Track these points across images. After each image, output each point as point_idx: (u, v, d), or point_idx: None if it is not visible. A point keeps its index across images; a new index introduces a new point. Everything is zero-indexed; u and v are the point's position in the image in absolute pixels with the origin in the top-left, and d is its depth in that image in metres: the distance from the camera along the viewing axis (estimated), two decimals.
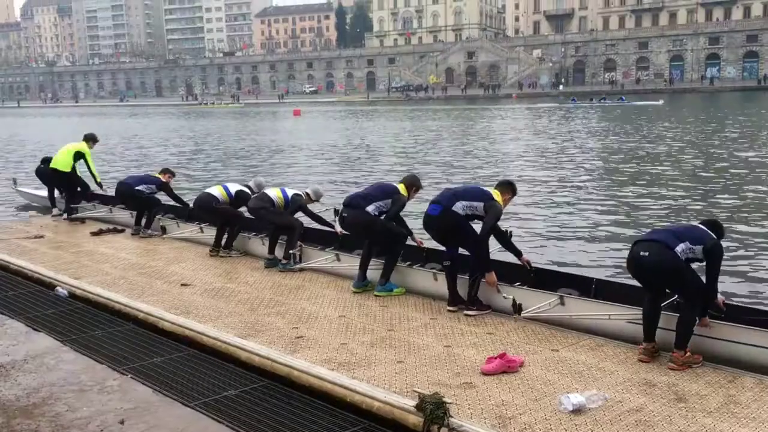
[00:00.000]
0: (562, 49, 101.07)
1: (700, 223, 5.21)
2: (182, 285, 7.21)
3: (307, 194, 8.42)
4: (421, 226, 6.45)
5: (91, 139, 11.50)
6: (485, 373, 4.66)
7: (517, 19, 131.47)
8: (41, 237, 9.84)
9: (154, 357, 5.25)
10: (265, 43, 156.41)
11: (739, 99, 62.75)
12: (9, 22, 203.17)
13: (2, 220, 11.87)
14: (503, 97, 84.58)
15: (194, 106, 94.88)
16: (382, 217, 6.81)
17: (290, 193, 8.31)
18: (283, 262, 7.83)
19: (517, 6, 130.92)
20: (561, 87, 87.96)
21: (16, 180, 14.92)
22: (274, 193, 8.26)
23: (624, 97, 63.37)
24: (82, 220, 11.13)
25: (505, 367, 4.71)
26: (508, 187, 6.42)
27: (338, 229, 7.83)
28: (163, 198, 10.28)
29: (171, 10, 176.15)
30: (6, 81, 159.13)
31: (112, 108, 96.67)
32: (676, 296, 5.23)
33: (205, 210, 8.99)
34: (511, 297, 5.71)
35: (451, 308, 6.11)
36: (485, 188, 6.38)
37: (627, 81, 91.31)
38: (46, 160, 11.80)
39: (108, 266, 8.15)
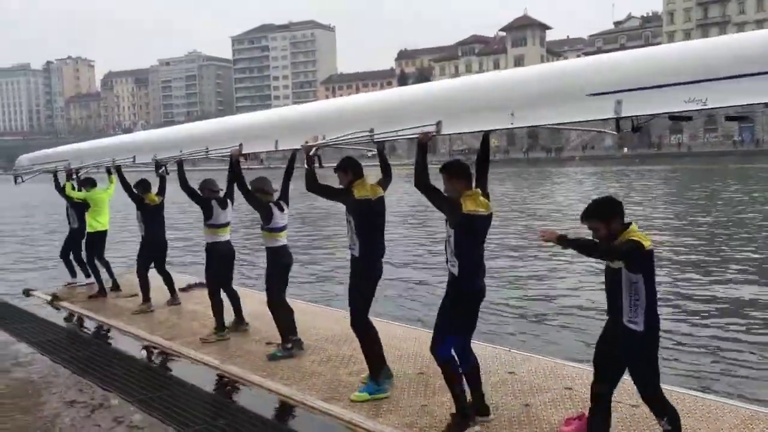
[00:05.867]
0: None
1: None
2: (267, 344, 7.19)
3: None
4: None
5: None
6: None
7: None
8: (135, 295, 9.91)
9: (219, 419, 5.29)
10: None
11: None
12: (90, 93, 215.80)
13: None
14: (566, 159, 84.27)
15: (257, 169, 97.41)
16: None
17: None
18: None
19: None
20: (625, 150, 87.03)
21: None
22: None
23: None
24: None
25: (585, 429, 4.56)
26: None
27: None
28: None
29: (241, 79, 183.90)
30: None
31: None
32: None
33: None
34: None
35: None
36: None
37: (694, 143, 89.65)
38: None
39: (197, 324, 8.28)
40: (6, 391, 6.20)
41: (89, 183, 10.61)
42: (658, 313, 4.00)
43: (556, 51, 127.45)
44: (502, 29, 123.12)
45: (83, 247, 10.78)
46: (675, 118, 3.85)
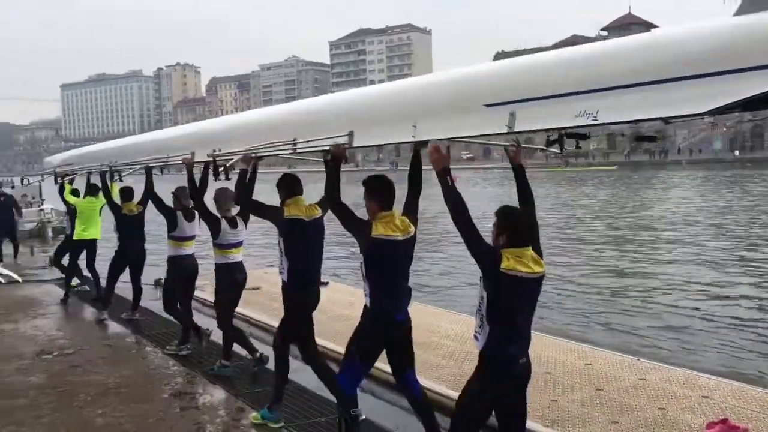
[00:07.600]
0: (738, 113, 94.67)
1: None
2: None
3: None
4: None
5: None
6: None
7: None
8: (258, 288, 10.14)
9: (319, 417, 5.33)
10: None
11: None
12: (196, 98, 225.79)
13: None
14: (671, 163, 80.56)
15: (353, 171, 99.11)
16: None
17: None
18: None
19: None
20: (736, 153, 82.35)
21: None
22: None
23: None
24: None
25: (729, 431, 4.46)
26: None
27: None
28: None
29: (338, 82, 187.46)
30: None
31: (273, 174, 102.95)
32: None
33: None
34: None
35: None
36: None
37: None
38: None
39: (341, 325, 7.98)
40: (121, 381, 6.49)
41: (93, 190, 9.93)
42: (514, 359, 3.46)
43: None
44: (603, 29, 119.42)
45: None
46: (571, 135, 3.40)
